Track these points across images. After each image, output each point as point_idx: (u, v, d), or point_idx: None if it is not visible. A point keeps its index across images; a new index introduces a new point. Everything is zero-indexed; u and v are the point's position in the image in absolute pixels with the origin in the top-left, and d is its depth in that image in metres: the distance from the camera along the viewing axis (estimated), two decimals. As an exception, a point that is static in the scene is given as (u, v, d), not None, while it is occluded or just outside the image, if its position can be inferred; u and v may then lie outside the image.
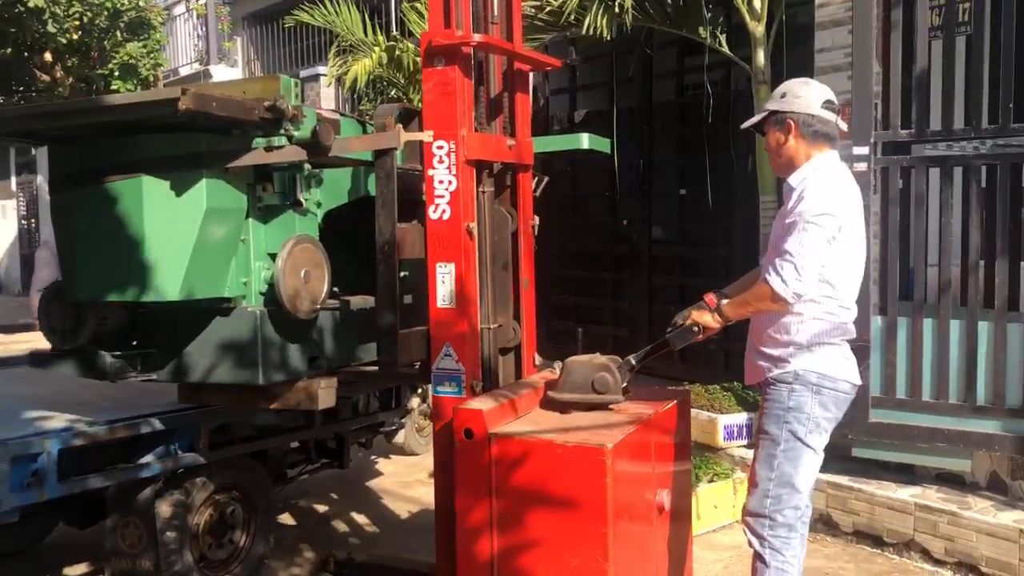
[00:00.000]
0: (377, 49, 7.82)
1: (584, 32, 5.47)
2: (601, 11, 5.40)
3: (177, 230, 3.22)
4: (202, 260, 3.25)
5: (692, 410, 5.47)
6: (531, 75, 3.89)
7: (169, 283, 3.22)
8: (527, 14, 6.33)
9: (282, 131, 3.28)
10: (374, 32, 8.56)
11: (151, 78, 12.10)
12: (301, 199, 3.47)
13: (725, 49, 5.86)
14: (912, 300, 4.71)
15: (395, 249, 3.28)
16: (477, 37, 3.20)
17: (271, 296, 3.39)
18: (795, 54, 5.94)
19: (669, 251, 7.91)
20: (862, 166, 4.51)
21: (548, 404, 3.29)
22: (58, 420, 3.50)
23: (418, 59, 8.38)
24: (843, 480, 4.71)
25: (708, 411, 5.48)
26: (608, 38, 5.51)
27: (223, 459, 3.91)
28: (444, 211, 3.19)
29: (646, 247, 7.95)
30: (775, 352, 3.09)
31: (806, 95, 3.09)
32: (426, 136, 3.27)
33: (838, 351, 3.08)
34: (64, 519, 4.31)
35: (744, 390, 5.68)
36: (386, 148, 3.31)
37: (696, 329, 3.16)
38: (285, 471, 4.62)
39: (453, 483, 3.02)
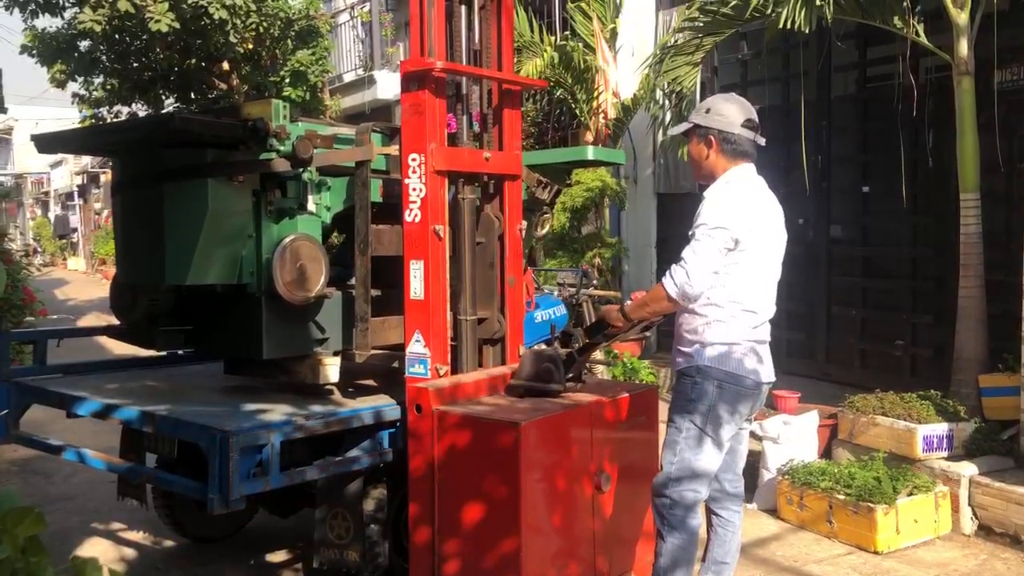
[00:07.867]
0: (548, 49, 7.83)
1: (781, 26, 5.27)
2: (800, 3, 5.17)
3: (189, 227, 3.66)
4: (210, 252, 3.67)
5: (887, 419, 5.26)
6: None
7: (182, 270, 3.68)
8: (710, 9, 6.20)
9: (269, 146, 3.67)
10: (540, 33, 8.57)
11: (319, 84, 12.50)
12: (309, 203, 3.90)
13: (923, 39, 5.55)
14: None
15: (369, 247, 3.76)
16: (440, 64, 3.51)
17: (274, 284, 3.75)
18: (1003, 41, 5.57)
19: (850, 251, 7.58)
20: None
21: (509, 390, 3.69)
22: (276, 413, 3.63)
23: (587, 58, 8.39)
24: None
25: (905, 420, 5.19)
26: (807, 31, 5.29)
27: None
28: (416, 215, 3.58)
29: (824, 246, 7.64)
30: (685, 349, 3.34)
31: (728, 113, 3.33)
32: (394, 150, 3.75)
33: (743, 350, 3.27)
34: (267, 507, 4.51)
35: (943, 399, 5.37)
36: (362, 160, 3.78)
37: (603, 323, 3.46)
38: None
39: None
